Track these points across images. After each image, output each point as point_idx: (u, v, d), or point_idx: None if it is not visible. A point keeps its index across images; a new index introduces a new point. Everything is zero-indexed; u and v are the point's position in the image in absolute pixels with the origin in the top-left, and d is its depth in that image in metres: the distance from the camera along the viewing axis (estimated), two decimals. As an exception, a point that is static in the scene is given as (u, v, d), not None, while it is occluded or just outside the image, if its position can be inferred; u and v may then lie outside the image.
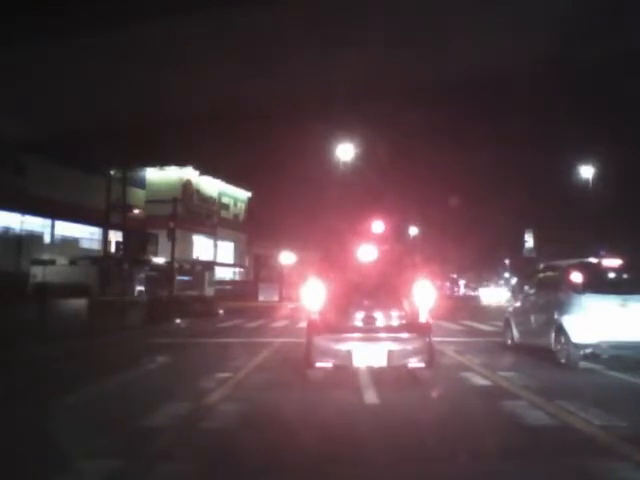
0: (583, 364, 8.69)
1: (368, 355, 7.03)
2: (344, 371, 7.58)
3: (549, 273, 10.43)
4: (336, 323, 7.20)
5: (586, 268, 9.27)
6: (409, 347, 7.04)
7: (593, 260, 9.76)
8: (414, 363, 7.06)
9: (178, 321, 18.81)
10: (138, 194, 39.68)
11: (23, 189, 27.55)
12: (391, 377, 7.57)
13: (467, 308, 30.68)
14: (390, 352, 6.97)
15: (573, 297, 8.89)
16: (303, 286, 8.20)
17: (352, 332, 7.13)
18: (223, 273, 47.88)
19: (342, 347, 7.03)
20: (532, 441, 4.78)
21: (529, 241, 57.95)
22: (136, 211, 27.61)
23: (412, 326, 7.15)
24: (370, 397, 6.69)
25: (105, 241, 26.29)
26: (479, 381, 7.71)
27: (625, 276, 9.26)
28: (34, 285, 21.39)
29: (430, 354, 7.10)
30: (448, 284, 68.80)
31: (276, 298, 41.10)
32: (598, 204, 35.11)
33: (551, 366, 8.82)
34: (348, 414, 5.88)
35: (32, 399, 6.45)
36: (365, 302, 7.27)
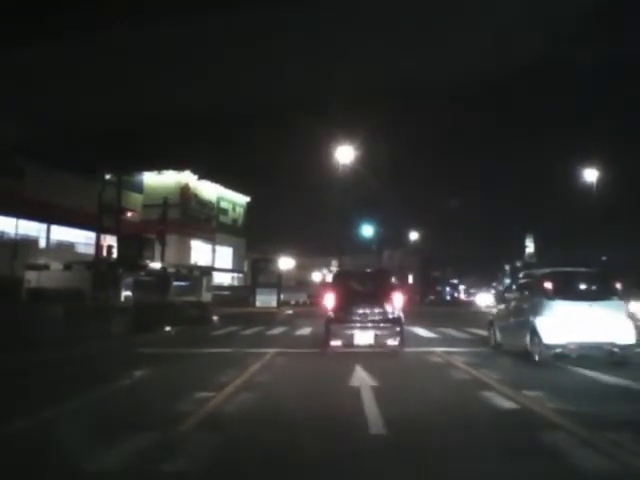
0: (563, 364, 9.43)
1: (363, 337, 10.91)
2: (343, 388, 7.58)
3: (527, 280, 11.34)
4: (343, 317, 11.15)
5: (557, 276, 10.30)
6: (387, 332, 10.94)
7: (564, 269, 11.00)
8: (391, 342, 10.87)
9: (168, 329, 17.87)
10: (136, 198, 39.42)
11: (21, 193, 27.37)
12: (392, 377, 8.44)
13: (464, 314, 30.41)
14: (376, 335, 10.91)
15: (545, 302, 9.79)
16: (323, 295, 12.57)
17: (353, 323, 11.09)
18: (221, 278, 47.60)
19: (347, 332, 10.98)
20: (498, 425, 5.54)
21: (530, 246, 57.56)
22: (129, 214, 27.19)
23: (390, 319, 11.09)
24: (369, 398, 6.73)
25: (97, 245, 25.96)
26: (461, 375, 8.79)
27: (591, 284, 10.28)
28: (27, 290, 21.04)
29: (401, 337, 11.00)
30: (448, 289, 68.35)
31: (274, 304, 40.35)
32: (599, 209, 34.88)
33: (526, 364, 9.77)
34: (348, 446, 4.81)
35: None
36: (361, 305, 11.23)
